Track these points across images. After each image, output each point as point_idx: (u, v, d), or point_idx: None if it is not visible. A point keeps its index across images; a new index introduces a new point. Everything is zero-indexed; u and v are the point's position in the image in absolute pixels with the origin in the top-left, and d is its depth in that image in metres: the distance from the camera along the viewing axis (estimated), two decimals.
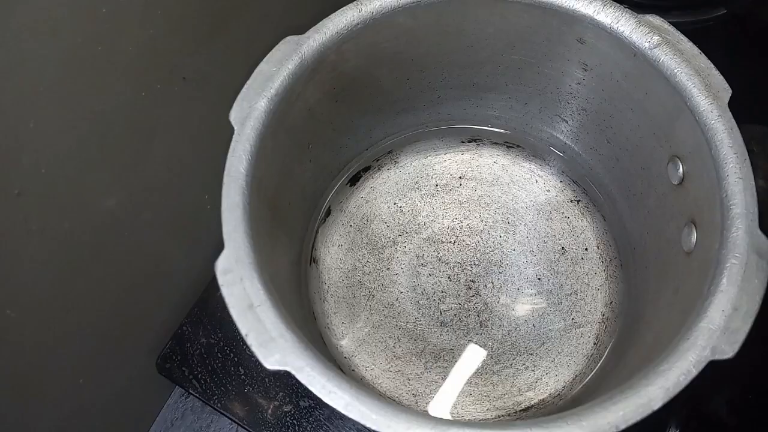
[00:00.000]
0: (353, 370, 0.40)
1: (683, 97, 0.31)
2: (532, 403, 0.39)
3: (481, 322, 0.41)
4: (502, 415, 0.39)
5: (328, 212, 0.45)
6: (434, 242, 0.43)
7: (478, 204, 0.45)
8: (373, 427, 0.24)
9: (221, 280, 0.27)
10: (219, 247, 0.28)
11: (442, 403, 0.39)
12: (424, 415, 0.25)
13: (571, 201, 0.45)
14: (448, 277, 0.42)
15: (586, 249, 0.43)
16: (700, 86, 0.31)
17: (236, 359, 0.43)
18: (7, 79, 0.27)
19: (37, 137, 0.30)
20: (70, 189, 0.33)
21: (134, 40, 0.33)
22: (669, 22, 0.33)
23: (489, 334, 0.41)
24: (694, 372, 0.25)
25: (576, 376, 0.40)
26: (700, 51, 0.32)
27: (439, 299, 0.42)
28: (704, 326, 0.26)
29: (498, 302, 0.41)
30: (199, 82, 0.40)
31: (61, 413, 0.40)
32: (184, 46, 0.37)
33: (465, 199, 0.45)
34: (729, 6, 0.52)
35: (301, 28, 0.33)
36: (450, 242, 0.43)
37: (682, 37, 0.32)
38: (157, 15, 0.34)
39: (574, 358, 0.40)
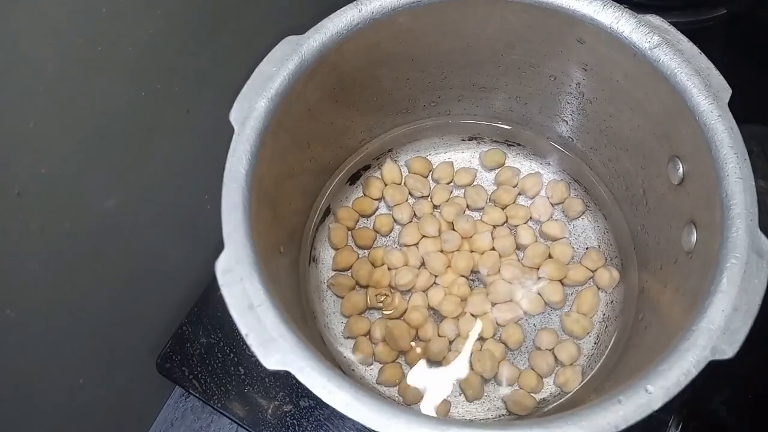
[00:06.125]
0: (353, 370, 0.40)
1: (683, 97, 0.31)
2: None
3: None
4: (503, 415, 0.39)
5: (328, 211, 0.45)
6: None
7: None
8: (373, 427, 0.24)
9: (221, 280, 0.27)
10: (219, 247, 0.28)
11: (442, 402, 0.39)
12: (424, 415, 0.25)
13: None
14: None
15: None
16: (700, 86, 0.31)
17: (236, 359, 0.43)
18: (7, 79, 0.27)
19: (37, 137, 0.30)
20: (70, 189, 0.33)
21: (134, 40, 0.33)
22: (669, 22, 0.33)
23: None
24: (694, 372, 0.25)
25: None
26: (700, 51, 0.32)
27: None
28: (704, 326, 0.26)
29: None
30: (199, 82, 0.40)
31: (61, 413, 0.40)
32: (184, 46, 0.37)
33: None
34: (729, 6, 0.52)
35: (301, 28, 0.33)
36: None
37: (682, 37, 0.32)
38: (157, 15, 0.34)
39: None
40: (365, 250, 0.44)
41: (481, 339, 0.40)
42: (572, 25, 0.34)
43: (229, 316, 0.26)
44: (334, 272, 0.43)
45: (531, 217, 0.44)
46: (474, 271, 0.42)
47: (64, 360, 0.38)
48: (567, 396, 0.39)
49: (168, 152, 0.40)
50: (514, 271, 0.41)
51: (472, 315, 0.41)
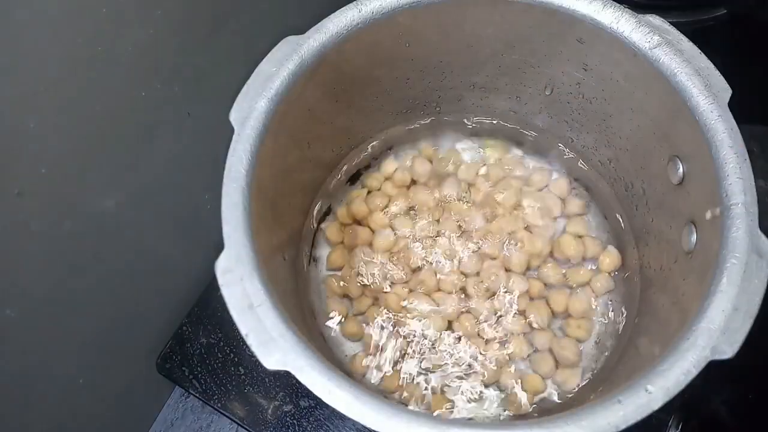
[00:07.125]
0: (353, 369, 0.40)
1: (683, 97, 0.31)
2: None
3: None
4: (503, 415, 0.39)
5: (328, 211, 0.45)
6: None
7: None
8: (373, 427, 0.24)
9: (221, 280, 0.27)
10: (219, 247, 0.28)
11: (442, 402, 0.39)
12: (424, 415, 0.25)
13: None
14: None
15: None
16: (700, 86, 0.31)
17: (236, 359, 0.43)
18: (7, 79, 0.27)
19: (37, 137, 0.30)
20: (70, 189, 0.33)
21: (134, 40, 0.33)
22: (669, 22, 0.33)
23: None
24: (694, 372, 0.25)
25: None
26: (700, 51, 0.32)
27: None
28: (704, 326, 0.26)
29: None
30: (199, 82, 0.40)
31: (62, 413, 0.40)
32: (184, 46, 0.37)
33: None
34: (729, 6, 0.52)
35: (301, 28, 0.33)
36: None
37: (682, 37, 0.32)
38: (157, 15, 0.34)
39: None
40: (364, 250, 0.43)
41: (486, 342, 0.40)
42: (572, 25, 0.34)
43: (229, 316, 0.26)
44: (331, 271, 0.43)
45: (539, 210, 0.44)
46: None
47: (64, 360, 0.38)
48: (567, 396, 0.39)
49: (168, 152, 0.40)
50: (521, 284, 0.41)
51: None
